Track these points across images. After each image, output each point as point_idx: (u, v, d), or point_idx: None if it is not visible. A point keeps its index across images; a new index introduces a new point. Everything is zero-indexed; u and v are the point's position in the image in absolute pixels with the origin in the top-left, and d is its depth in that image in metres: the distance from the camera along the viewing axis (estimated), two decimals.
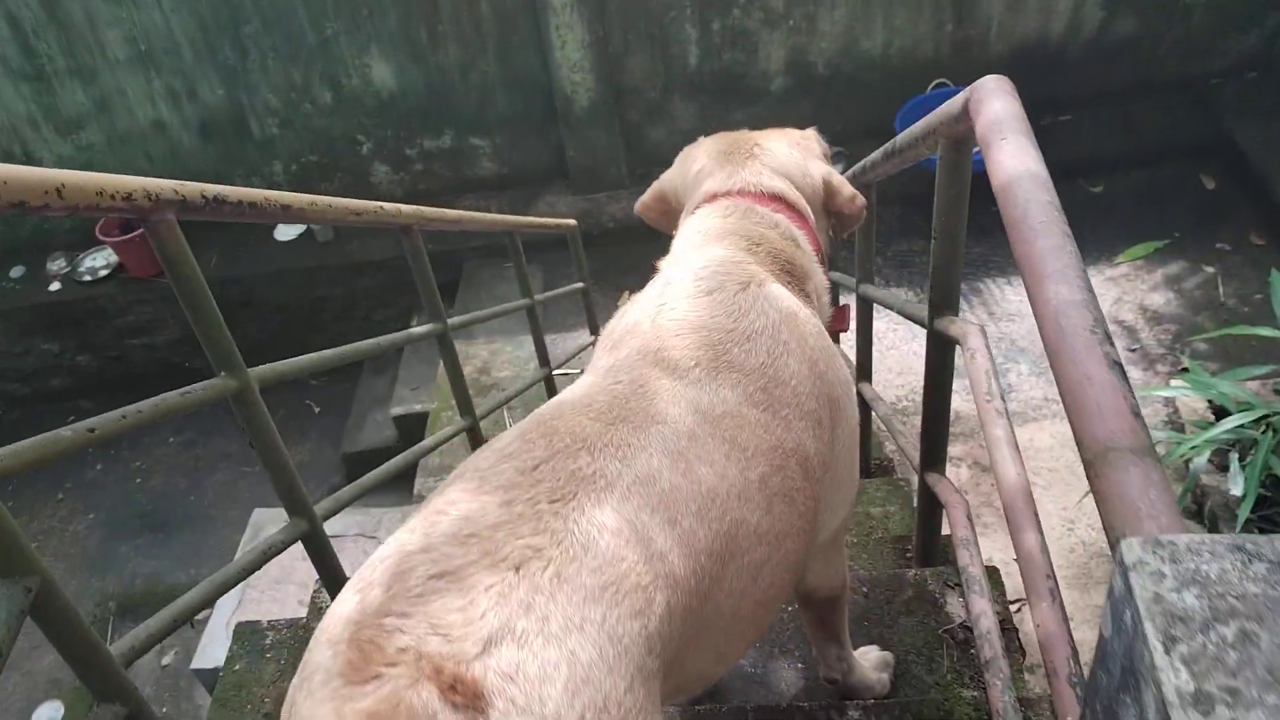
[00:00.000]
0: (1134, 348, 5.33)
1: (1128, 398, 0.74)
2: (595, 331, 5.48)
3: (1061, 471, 4.75)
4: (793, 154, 1.79)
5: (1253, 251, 5.74)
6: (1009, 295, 5.80)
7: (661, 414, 1.25)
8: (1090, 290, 0.91)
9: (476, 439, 3.26)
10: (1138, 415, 0.74)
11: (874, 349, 5.51)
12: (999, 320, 5.64)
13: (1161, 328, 5.41)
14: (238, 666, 2.09)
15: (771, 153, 1.76)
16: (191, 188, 1.61)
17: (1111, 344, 0.80)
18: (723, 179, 1.75)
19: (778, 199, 1.70)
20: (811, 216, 1.74)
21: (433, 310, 2.88)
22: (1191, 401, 4.45)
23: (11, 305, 6.76)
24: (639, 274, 6.34)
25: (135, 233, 6.43)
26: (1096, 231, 6.12)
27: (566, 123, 6.46)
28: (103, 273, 6.74)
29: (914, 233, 6.37)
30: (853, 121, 6.70)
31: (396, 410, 6.01)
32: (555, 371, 4.27)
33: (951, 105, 1.39)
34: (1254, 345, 4.94)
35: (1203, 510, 4.18)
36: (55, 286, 6.77)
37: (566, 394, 1.36)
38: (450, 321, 2.97)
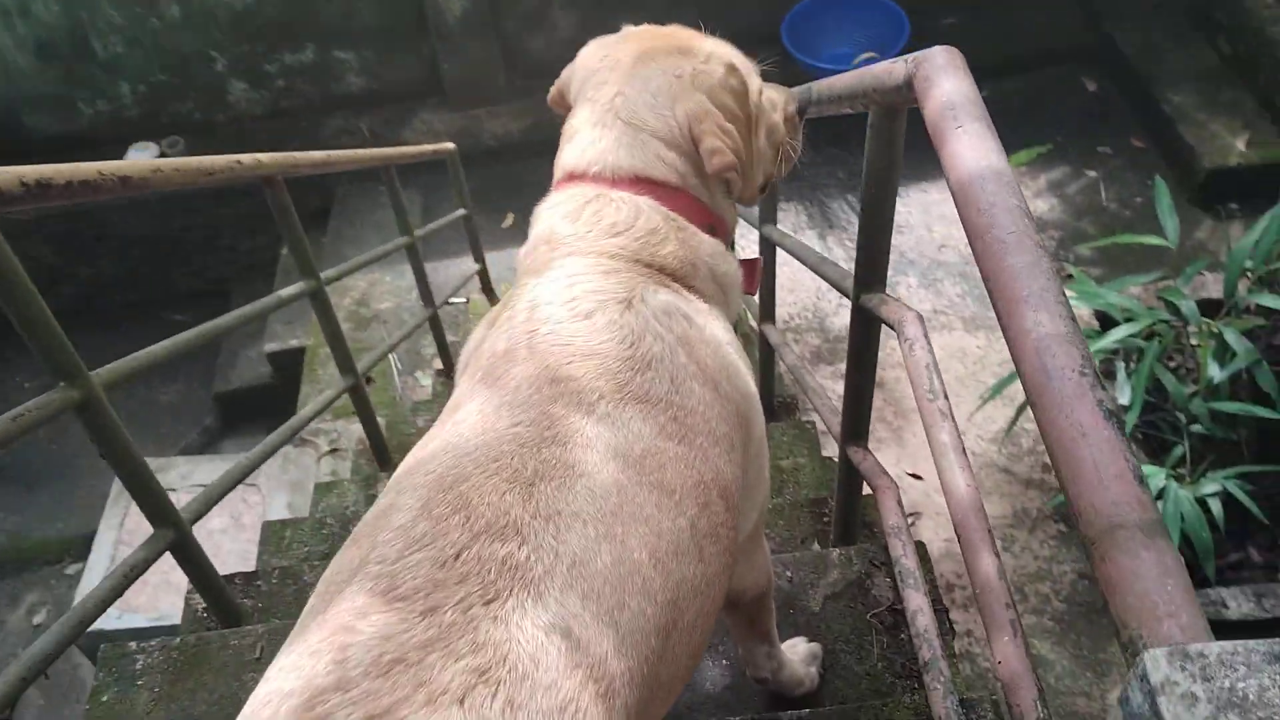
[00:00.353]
0: None
1: (1129, 458, 0.61)
2: (480, 260, 5.24)
3: (950, 384, 4.76)
4: (660, 94, 1.41)
5: (1133, 154, 5.78)
6: (899, 206, 5.73)
7: (581, 464, 1.06)
8: (1073, 318, 0.76)
9: (360, 398, 3.02)
10: (1142, 481, 0.61)
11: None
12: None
13: (1046, 234, 5.42)
14: (105, 698, 1.79)
15: (633, 100, 1.42)
16: (6, 176, 1.33)
17: (1103, 386, 0.67)
18: (577, 152, 1.49)
19: (638, 181, 1.40)
20: (689, 179, 1.41)
21: (304, 266, 2.62)
22: (1077, 310, 4.47)
23: None
24: (522, 196, 6.09)
25: None
26: None
27: (439, 33, 6.07)
28: None
29: (804, 144, 6.22)
30: (740, 28, 6.46)
31: (271, 346, 5.69)
32: (440, 305, 4.04)
33: (890, 73, 1.20)
34: (1137, 251, 4.99)
35: None
36: None
37: (457, 437, 1.10)
38: (324, 274, 2.72)
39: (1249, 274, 3.91)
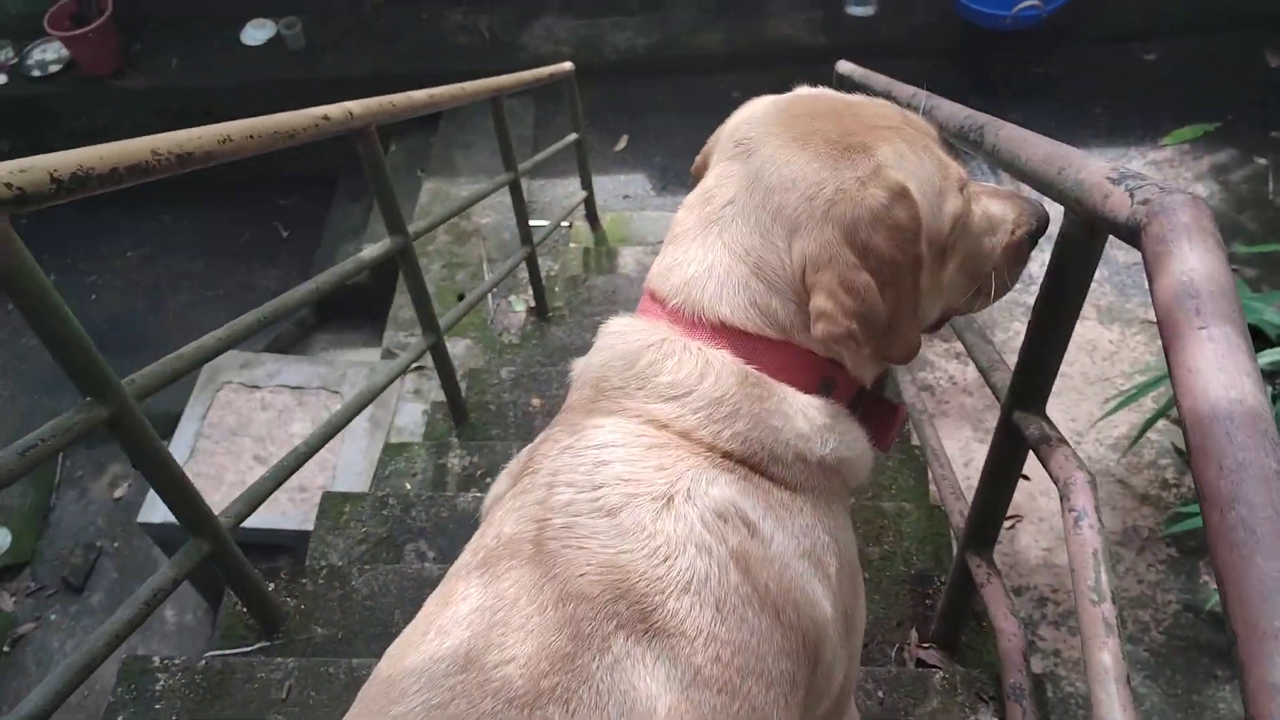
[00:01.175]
0: None
1: None
2: (587, 185, 5.00)
3: (1075, 378, 4.43)
4: (780, 216, 1.05)
5: None
6: None
7: None
8: None
9: (441, 356, 2.84)
10: None
11: None
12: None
13: None
14: (120, 718, 1.75)
15: (746, 215, 1.07)
16: (35, 172, 1.15)
17: None
18: (663, 270, 1.14)
19: (722, 329, 1.05)
20: (796, 333, 1.05)
21: (393, 222, 2.43)
22: None
23: None
24: (639, 118, 5.83)
25: (90, 26, 5.82)
26: (1144, 104, 5.57)
27: None
28: (54, 68, 6.14)
29: (947, 91, 5.77)
30: None
31: (370, 249, 5.57)
32: (538, 242, 3.84)
33: (1107, 200, 0.86)
34: None
35: None
36: (1, 79, 6.18)
37: (434, 662, 0.89)
38: (412, 229, 2.53)
39: None
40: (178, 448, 4.62)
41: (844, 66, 4.02)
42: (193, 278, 6.35)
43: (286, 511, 4.37)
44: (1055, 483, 1.12)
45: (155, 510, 4.37)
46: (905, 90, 2.12)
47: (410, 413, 4.60)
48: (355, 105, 2.06)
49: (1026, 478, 4.00)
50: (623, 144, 5.75)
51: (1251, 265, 4.71)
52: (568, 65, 4.36)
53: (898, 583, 1.91)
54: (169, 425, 5.69)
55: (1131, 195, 0.88)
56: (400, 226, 2.42)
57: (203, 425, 4.72)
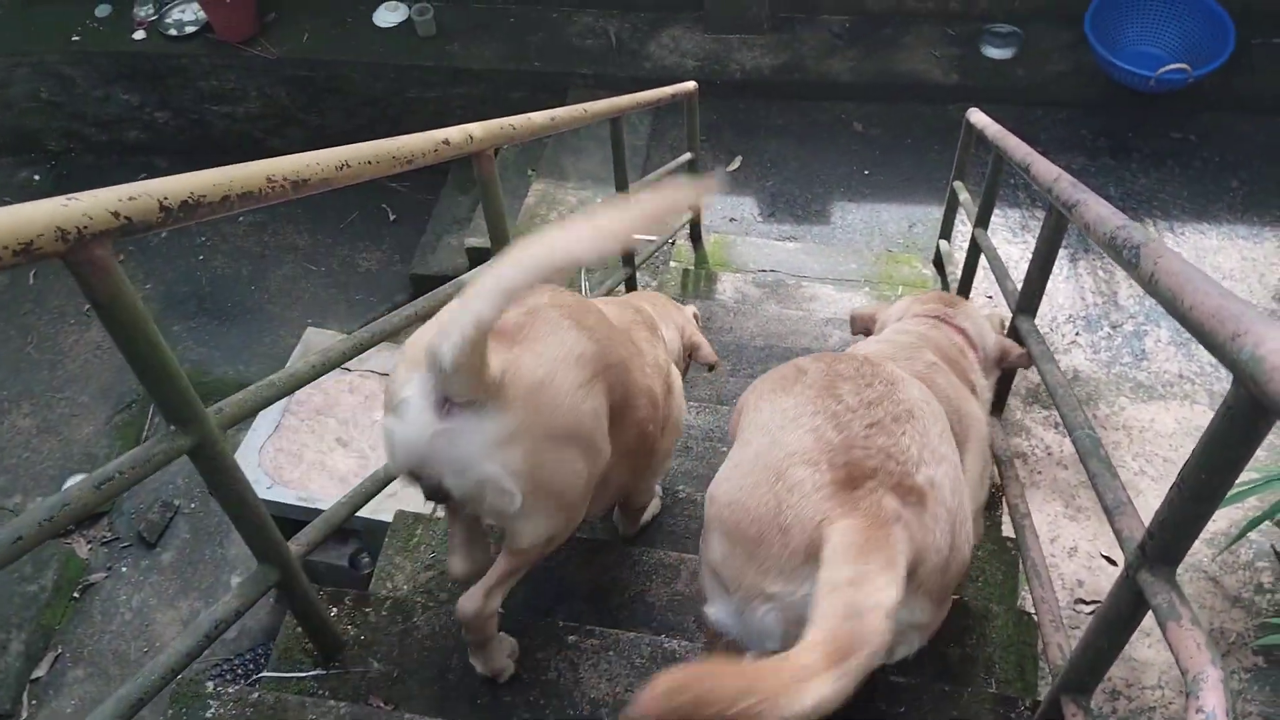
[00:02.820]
0: None
1: None
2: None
3: (1177, 464, 4.16)
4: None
5: None
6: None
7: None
8: None
9: None
10: None
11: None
12: None
13: None
14: None
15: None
16: (144, 200, 1.13)
17: None
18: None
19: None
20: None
21: (499, 238, 2.38)
22: None
23: (95, 47, 6.37)
24: (755, 138, 5.71)
25: None
26: None
27: None
28: (190, 29, 6.29)
29: (1078, 146, 5.57)
30: (1044, 3, 5.81)
31: (473, 241, 5.58)
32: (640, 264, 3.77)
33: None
34: None
35: None
36: (139, 35, 6.35)
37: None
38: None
39: None
40: (263, 421, 4.68)
41: (977, 118, 3.88)
42: (298, 250, 6.44)
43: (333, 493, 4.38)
44: (1181, 669, 1.01)
45: None
46: (1048, 172, 2.00)
47: None
48: (476, 129, 2.01)
49: (1113, 562, 3.83)
50: (735, 164, 5.66)
51: None
52: (690, 85, 4.29)
53: (979, 700, 1.80)
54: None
55: None
56: (506, 240, 2.38)
57: (290, 402, 4.76)
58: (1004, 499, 2.22)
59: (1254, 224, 5.12)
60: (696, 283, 4.70)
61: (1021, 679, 1.98)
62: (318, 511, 4.33)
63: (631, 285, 3.82)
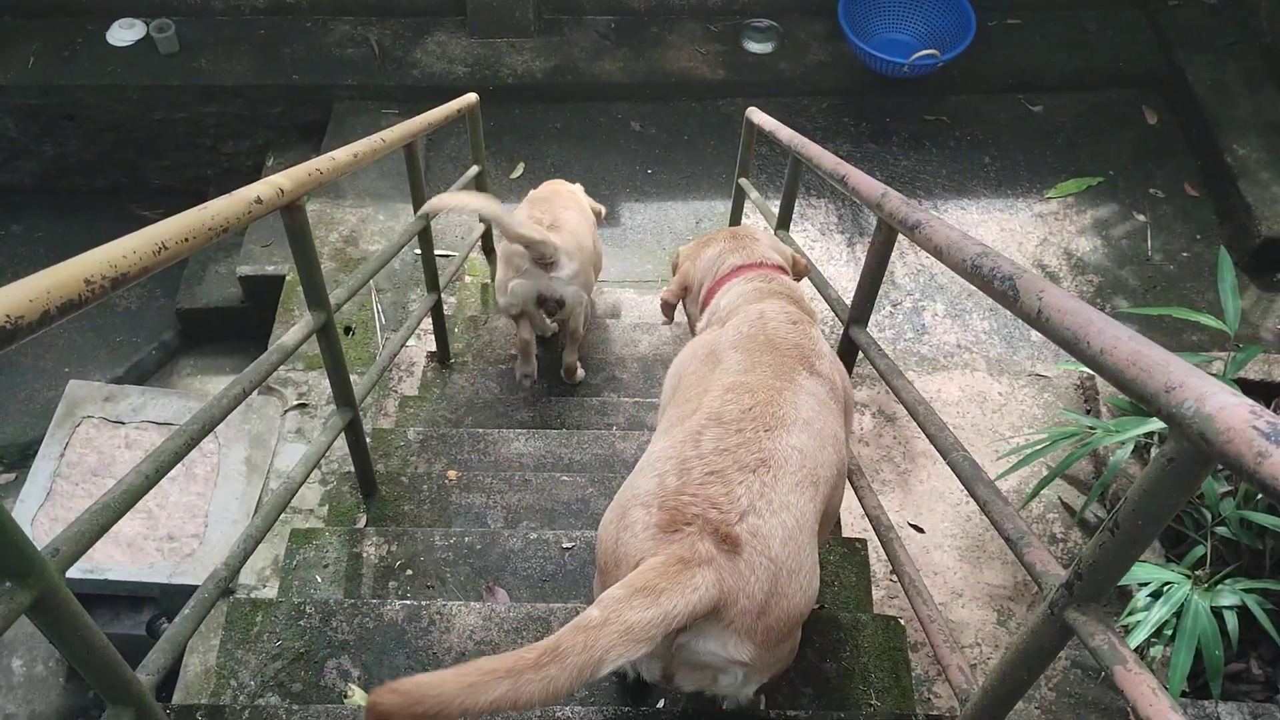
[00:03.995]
0: None
1: None
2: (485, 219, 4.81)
3: (966, 430, 4.48)
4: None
5: (1186, 203, 5.45)
6: None
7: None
8: None
9: (355, 431, 2.60)
10: None
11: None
12: (919, 249, 5.21)
13: (1085, 278, 5.10)
14: None
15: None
16: None
17: None
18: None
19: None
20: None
21: (314, 297, 2.21)
22: None
23: None
24: (535, 143, 5.64)
25: None
26: (1031, 156, 5.71)
27: None
28: None
29: (842, 134, 5.81)
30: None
31: (245, 269, 5.24)
32: (444, 288, 3.62)
33: (1259, 454, 0.77)
34: (1181, 321, 4.70)
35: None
36: None
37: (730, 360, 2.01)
38: (333, 297, 2.31)
39: None
40: (32, 489, 4.23)
41: (759, 118, 3.97)
42: None
43: (155, 563, 4.05)
44: (1140, 718, 1.03)
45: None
46: (871, 188, 2.04)
47: (291, 454, 4.32)
48: (284, 181, 1.85)
49: (920, 529, 4.03)
50: (519, 171, 5.56)
51: (1133, 322, 4.87)
52: (472, 97, 4.16)
53: (860, 708, 1.83)
54: (18, 455, 5.25)
55: (1254, 434, 0.80)
56: (323, 301, 2.21)
57: (60, 465, 4.33)
58: (862, 505, 2.25)
59: (1008, 197, 5.50)
60: (497, 297, 4.60)
61: (897, 685, 2.04)
62: (107, 583, 4.01)
63: (438, 312, 3.68)
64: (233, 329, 5.60)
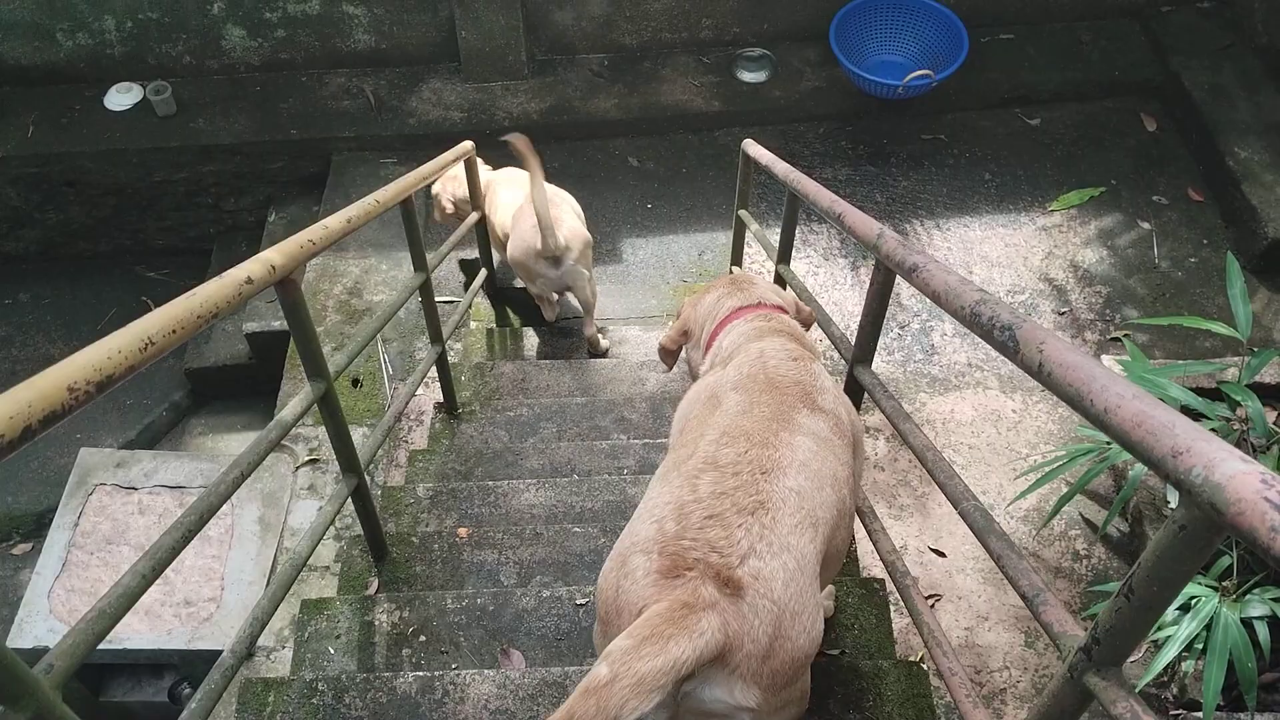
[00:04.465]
0: (1063, 310, 4.99)
1: None
2: (488, 262, 4.80)
3: (982, 449, 4.44)
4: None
5: (1190, 208, 5.41)
6: (937, 240, 5.35)
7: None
8: None
9: (363, 498, 2.58)
10: None
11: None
12: None
13: (1093, 289, 5.07)
14: None
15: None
16: None
17: None
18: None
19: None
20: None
21: (312, 367, 2.19)
22: None
23: None
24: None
25: None
26: (1031, 169, 5.69)
27: None
28: None
29: (840, 158, 5.80)
30: (781, 21, 6.01)
31: (251, 326, 5.24)
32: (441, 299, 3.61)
33: (1272, 528, 0.75)
34: (1193, 329, 4.65)
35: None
36: None
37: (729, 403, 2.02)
38: (332, 365, 2.29)
39: None
40: (48, 560, 4.22)
41: (755, 151, 3.96)
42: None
43: (173, 630, 4.02)
44: None
45: (24, 634, 3.99)
46: (867, 228, 2.02)
47: (305, 511, 4.31)
48: (276, 256, 1.84)
49: (941, 554, 3.98)
50: None
51: (1144, 332, 4.83)
52: (468, 144, 4.18)
53: None
54: (35, 524, 5.25)
55: (1265, 504, 0.77)
56: (322, 370, 2.20)
57: (75, 534, 4.32)
58: (877, 550, 2.22)
59: (1009, 211, 5.48)
60: (502, 342, 4.59)
61: None
62: (126, 652, 4.00)
63: (443, 364, 3.67)
64: (242, 386, 5.61)
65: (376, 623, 2.41)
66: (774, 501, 1.69)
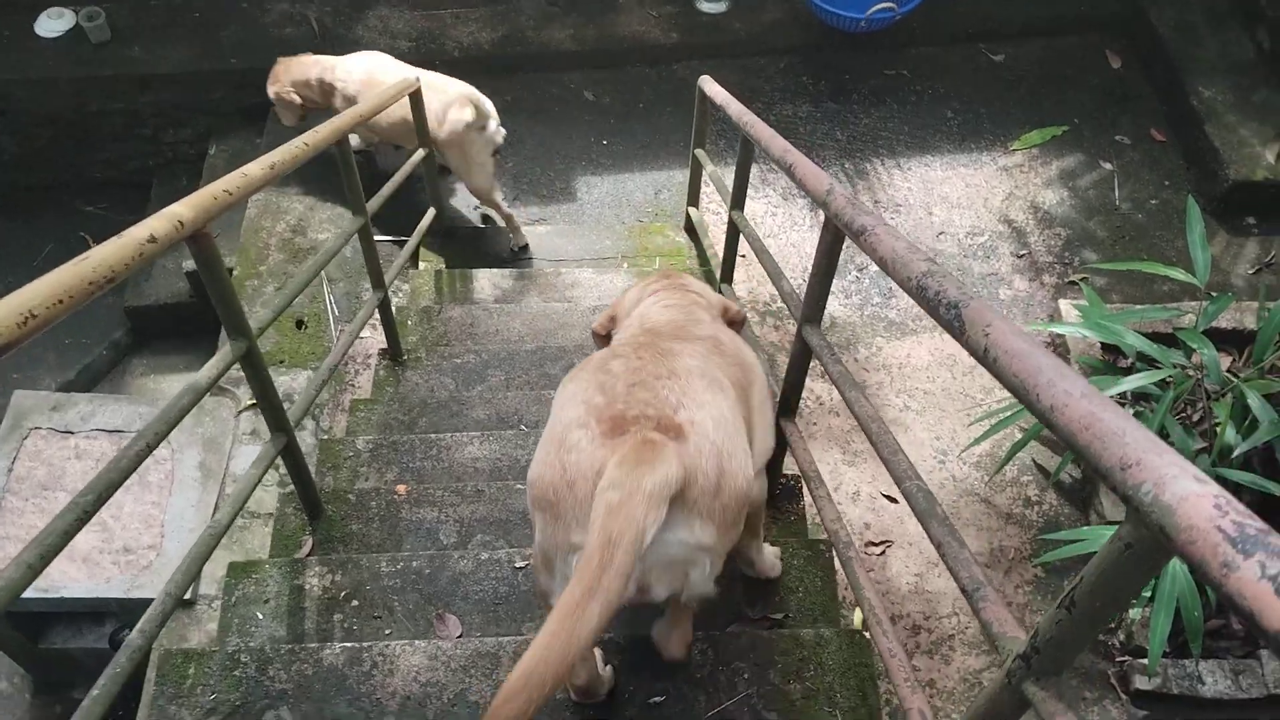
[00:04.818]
0: (1022, 253, 4.93)
1: None
2: (436, 202, 4.65)
3: (937, 394, 4.40)
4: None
5: (1152, 149, 5.34)
6: (897, 180, 5.25)
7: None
8: None
9: (292, 454, 2.48)
10: None
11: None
12: (884, 210, 5.11)
13: (1052, 231, 5.00)
14: None
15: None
16: None
17: None
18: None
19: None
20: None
21: (232, 324, 2.07)
22: (1082, 337, 4.09)
23: None
24: None
25: None
26: (994, 107, 5.58)
27: None
28: None
29: (801, 94, 5.66)
30: None
31: (191, 264, 5.07)
32: (390, 285, 3.48)
33: (1224, 564, 0.65)
34: (1151, 274, 4.62)
35: (1088, 478, 3.93)
36: None
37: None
38: (254, 323, 2.17)
39: None
40: None
41: (711, 89, 3.83)
42: None
43: (111, 577, 3.93)
44: None
45: None
46: (817, 181, 1.93)
47: (248, 456, 4.19)
48: (184, 210, 1.71)
49: (893, 499, 3.95)
50: None
51: (1100, 274, 4.78)
52: (413, 78, 4.00)
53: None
54: None
55: (1270, 579, 0.68)
56: (243, 328, 2.08)
57: (9, 479, 4.19)
58: (820, 517, 2.16)
59: (971, 151, 5.38)
60: (451, 284, 4.46)
61: (864, 704, 1.96)
62: (63, 600, 3.90)
63: (385, 309, 3.54)
64: (185, 325, 5.44)
65: (307, 587, 2.33)
66: (681, 372, 1.82)
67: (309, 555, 2.58)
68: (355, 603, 2.30)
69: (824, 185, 1.91)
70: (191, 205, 1.77)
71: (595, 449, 1.64)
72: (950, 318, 1.22)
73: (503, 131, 4.52)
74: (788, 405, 2.51)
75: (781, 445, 2.52)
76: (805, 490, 2.80)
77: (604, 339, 2.55)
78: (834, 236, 1.91)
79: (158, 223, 1.63)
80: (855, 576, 1.84)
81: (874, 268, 4.87)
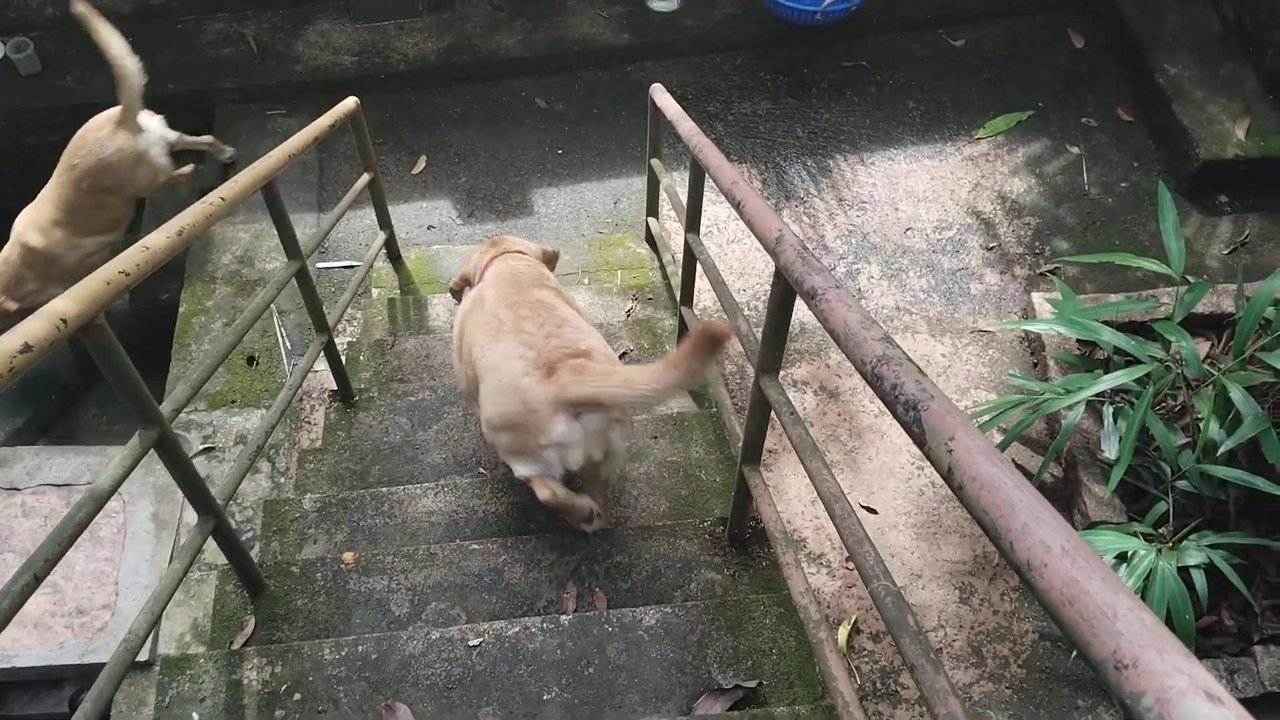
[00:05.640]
0: (991, 245, 4.80)
1: None
2: (386, 224, 4.47)
3: None
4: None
5: (1119, 129, 5.22)
6: (861, 176, 5.10)
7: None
8: None
9: (226, 538, 2.32)
10: None
11: (714, 242, 4.77)
12: (849, 208, 4.97)
13: (1021, 221, 4.88)
14: None
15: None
16: None
17: None
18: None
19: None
20: None
21: (141, 411, 1.91)
22: (1057, 334, 3.98)
23: None
24: (436, 133, 5.30)
25: None
26: (956, 94, 5.44)
27: None
28: None
29: (759, 90, 5.50)
30: None
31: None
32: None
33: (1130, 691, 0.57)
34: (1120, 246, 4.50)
35: (1073, 469, 3.81)
36: None
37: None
38: (166, 407, 2.01)
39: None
40: None
41: (662, 99, 3.67)
42: None
43: (65, 642, 3.76)
44: None
45: None
46: (767, 227, 1.78)
47: None
48: (68, 305, 1.54)
49: (873, 510, 3.82)
50: (421, 165, 5.22)
51: (1075, 269, 4.66)
52: (350, 103, 3.82)
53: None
54: None
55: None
56: (152, 414, 1.92)
57: None
58: (789, 588, 2.02)
59: (935, 142, 5.25)
60: (405, 312, 4.29)
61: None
62: (14, 670, 3.74)
63: (332, 351, 3.38)
64: (136, 362, 5.25)
65: (245, 681, 2.18)
66: (565, 317, 2.65)
67: (251, 637, 2.43)
68: (298, 696, 2.16)
69: (773, 232, 1.77)
70: (77, 298, 1.60)
71: (544, 387, 2.37)
72: (909, 420, 1.08)
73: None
74: (751, 453, 2.36)
75: (747, 490, 2.38)
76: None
77: (457, 294, 3.28)
78: (785, 290, 1.76)
79: (35, 326, 1.47)
80: (826, 663, 1.71)
81: (842, 268, 4.74)
